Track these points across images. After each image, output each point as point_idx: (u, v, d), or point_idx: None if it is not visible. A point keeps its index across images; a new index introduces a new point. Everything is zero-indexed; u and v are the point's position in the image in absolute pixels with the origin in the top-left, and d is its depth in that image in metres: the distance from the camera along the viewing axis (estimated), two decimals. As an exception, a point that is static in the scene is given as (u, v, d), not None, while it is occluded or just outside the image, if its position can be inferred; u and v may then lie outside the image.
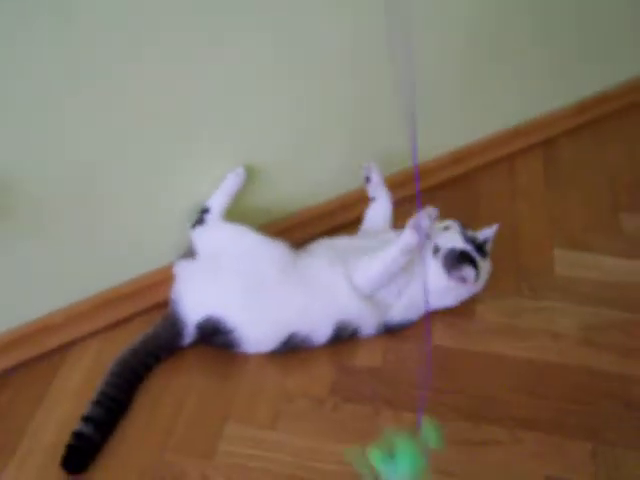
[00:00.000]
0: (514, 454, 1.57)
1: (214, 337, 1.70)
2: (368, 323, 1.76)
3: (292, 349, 1.72)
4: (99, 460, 1.56)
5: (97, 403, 1.61)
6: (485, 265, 1.80)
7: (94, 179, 1.59)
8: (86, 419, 1.59)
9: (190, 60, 1.54)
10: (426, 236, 1.75)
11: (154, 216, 1.75)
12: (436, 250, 1.76)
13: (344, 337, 1.75)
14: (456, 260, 1.74)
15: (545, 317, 1.84)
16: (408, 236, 1.67)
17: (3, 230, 1.52)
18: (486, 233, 1.84)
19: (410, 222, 1.68)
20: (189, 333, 1.70)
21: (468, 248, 1.77)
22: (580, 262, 1.99)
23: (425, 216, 1.69)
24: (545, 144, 2.38)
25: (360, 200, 1.95)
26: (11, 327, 1.69)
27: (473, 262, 1.75)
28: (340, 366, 1.74)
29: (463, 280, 1.74)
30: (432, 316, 1.80)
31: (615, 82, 2.46)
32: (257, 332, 1.70)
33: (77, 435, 1.57)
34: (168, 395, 1.68)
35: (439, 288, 1.76)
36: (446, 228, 1.80)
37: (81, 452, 1.56)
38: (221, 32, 1.54)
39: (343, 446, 1.58)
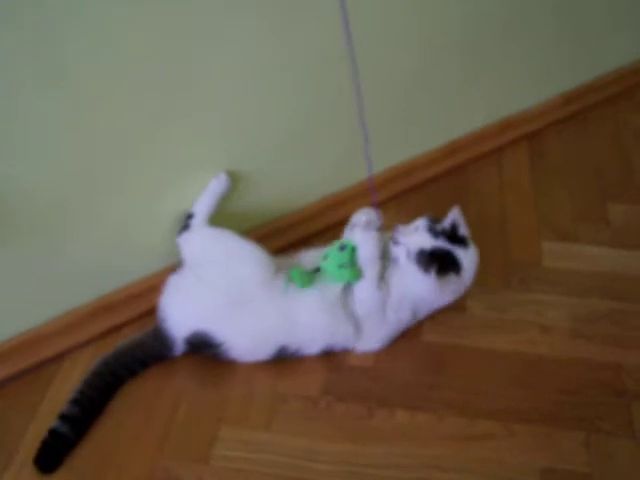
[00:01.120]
0: (508, 447, 1.58)
1: (204, 349, 1.70)
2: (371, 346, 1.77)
3: (284, 359, 1.72)
4: (95, 466, 1.57)
5: (74, 402, 1.63)
6: (468, 253, 1.74)
7: (83, 188, 1.59)
8: (62, 417, 1.60)
9: (177, 74, 1.54)
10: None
11: (144, 223, 1.75)
12: (409, 255, 1.72)
13: (334, 351, 1.75)
14: (429, 258, 1.70)
15: (535, 310, 1.85)
16: (361, 250, 1.68)
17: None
18: (449, 219, 1.76)
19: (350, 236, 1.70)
20: (178, 346, 1.70)
21: (439, 244, 1.71)
22: (568, 253, 1.99)
23: (359, 217, 1.71)
24: (532, 136, 2.38)
25: (345, 201, 1.96)
26: (3, 339, 1.69)
27: (449, 255, 1.71)
28: (332, 365, 1.74)
29: (450, 283, 1.71)
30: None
31: (600, 73, 2.47)
32: (246, 345, 1.70)
33: (52, 432, 1.59)
34: (161, 400, 1.69)
35: (429, 293, 1.72)
36: (416, 229, 1.75)
37: (54, 450, 1.58)
38: (206, 38, 1.54)
39: (338, 445, 1.60)
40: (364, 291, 1.69)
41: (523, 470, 1.55)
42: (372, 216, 1.72)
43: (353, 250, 1.68)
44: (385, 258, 1.73)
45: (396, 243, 1.73)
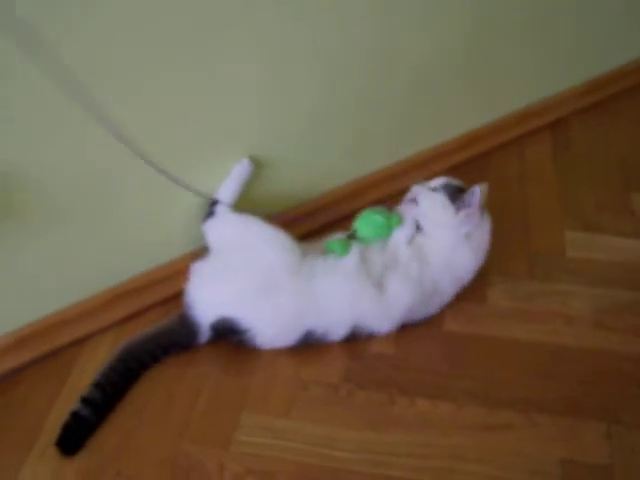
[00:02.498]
0: (529, 437, 1.58)
1: (229, 336, 1.70)
2: (388, 327, 1.76)
3: (308, 344, 1.72)
4: (116, 450, 1.58)
5: (97, 385, 1.63)
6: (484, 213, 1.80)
7: (107, 174, 1.59)
8: (84, 400, 1.61)
9: (199, 59, 1.54)
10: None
11: (167, 209, 1.75)
12: (434, 189, 1.77)
13: (360, 337, 1.75)
14: (457, 190, 1.76)
15: (557, 300, 1.84)
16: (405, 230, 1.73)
17: (16, 226, 1.53)
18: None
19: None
20: (204, 333, 1.71)
21: (462, 185, 1.80)
22: (592, 244, 1.98)
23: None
24: (554, 125, 2.37)
25: (369, 186, 1.95)
26: (26, 323, 1.70)
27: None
28: (353, 353, 1.74)
29: (471, 205, 1.71)
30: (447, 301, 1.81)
31: (623, 61, 2.45)
32: (272, 331, 1.69)
33: (74, 415, 1.60)
34: (183, 386, 1.69)
35: (450, 225, 1.73)
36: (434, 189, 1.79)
37: (76, 433, 1.60)
38: (228, 31, 1.54)
39: (358, 433, 1.60)
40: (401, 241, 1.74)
41: (543, 461, 1.54)
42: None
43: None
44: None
45: (419, 184, 1.80)
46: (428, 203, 1.76)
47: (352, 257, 1.71)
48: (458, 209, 1.72)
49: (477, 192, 1.71)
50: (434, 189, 1.77)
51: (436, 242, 1.74)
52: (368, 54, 1.79)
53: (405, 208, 1.80)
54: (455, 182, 1.79)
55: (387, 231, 1.76)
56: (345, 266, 1.70)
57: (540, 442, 1.57)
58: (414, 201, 1.79)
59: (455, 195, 1.74)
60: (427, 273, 1.73)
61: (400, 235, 1.75)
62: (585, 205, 2.09)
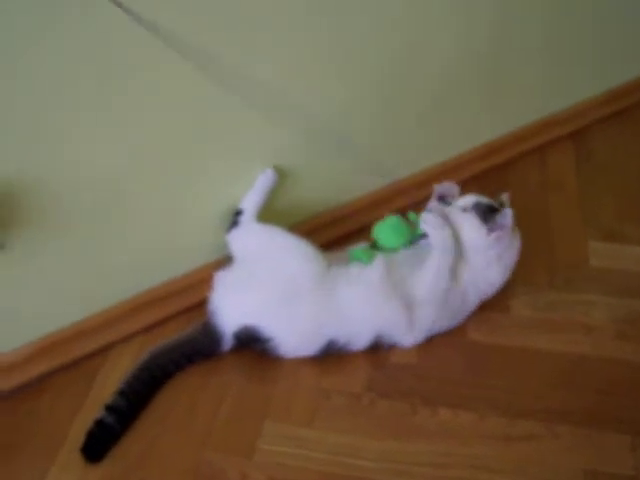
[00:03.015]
0: (551, 448, 1.57)
1: (252, 345, 1.71)
2: (413, 339, 1.76)
3: (331, 354, 1.72)
4: (139, 458, 1.59)
5: (121, 394, 1.65)
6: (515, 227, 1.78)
7: (128, 182, 1.60)
8: (108, 408, 1.62)
9: (220, 64, 1.54)
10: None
11: (191, 218, 1.76)
12: (465, 210, 1.74)
13: (383, 347, 1.75)
14: (488, 210, 1.73)
15: (579, 310, 1.83)
16: (433, 238, 1.68)
17: (41, 234, 1.55)
18: (498, 200, 1.82)
19: (426, 223, 1.68)
20: (227, 342, 1.71)
21: (493, 203, 1.77)
22: (613, 253, 1.97)
23: (429, 217, 1.69)
24: (576, 135, 2.36)
25: (391, 196, 1.96)
26: (51, 330, 1.72)
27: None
28: (375, 362, 1.74)
29: (502, 227, 1.70)
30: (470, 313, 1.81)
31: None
32: (295, 340, 1.70)
33: (98, 423, 1.61)
34: (207, 394, 1.70)
35: (482, 247, 1.71)
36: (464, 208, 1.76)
37: (100, 440, 1.61)
38: (250, 36, 1.54)
39: (380, 442, 1.60)
40: (429, 279, 1.69)
41: (566, 472, 1.54)
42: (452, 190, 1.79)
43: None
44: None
45: (448, 203, 1.77)
46: (459, 224, 1.73)
47: (377, 267, 1.71)
48: (490, 230, 1.70)
49: (509, 214, 1.70)
50: (464, 209, 1.74)
51: (466, 261, 1.73)
52: (389, 63, 1.79)
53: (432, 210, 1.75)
54: (485, 201, 1.76)
55: (407, 238, 1.76)
56: (369, 276, 1.70)
57: (562, 453, 1.57)
58: (441, 200, 1.78)
59: (486, 215, 1.72)
60: (455, 289, 1.72)
61: (434, 240, 1.69)
62: (607, 215, 2.08)
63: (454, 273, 1.70)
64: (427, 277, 1.69)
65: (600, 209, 2.11)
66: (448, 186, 1.79)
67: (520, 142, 2.26)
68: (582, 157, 2.28)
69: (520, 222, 1.82)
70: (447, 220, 1.70)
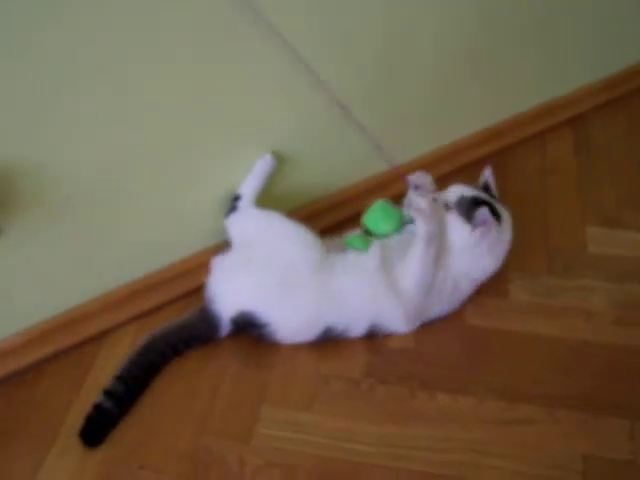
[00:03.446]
0: (550, 433, 1.57)
1: (250, 330, 1.70)
2: (406, 329, 1.75)
3: (328, 340, 1.72)
4: (138, 443, 1.59)
5: (119, 378, 1.65)
6: (504, 211, 1.77)
7: (129, 168, 1.60)
8: (107, 393, 1.63)
9: (219, 49, 1.54)
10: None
11: (189, 203, 1.76)
12: (448, 207, 1.72)
13: (379, 335, 1.75)
14: (470, 205, 1.71)
15: (578, 295, 1.83)
16: (421, 226, 1.65)
17: (38, 220, 1.54)
18: (482, 180, 1.83)
19: (414, 209, 1.66)
20: (224, 327, 1.71)
21: (478, 194, 1.76)
22: (613, 239, 1.97)
23: (421, 177, 1.71)
24: (575, 121, 2.35)
25: (390, 182, 1.95)
26: (48, 316, 1.71)
27: (487, 204, 1.72)
28: (374, 347, 1.74)
29: (484, 223, 1.68)
30: (466, 298, 1.80)
31: (644, 56, 2.44)
32: (292, 326, 1.70)
33: (96, 407, 1.61)
34: (204, 379, 1.70)
35: (468, 244, 1.71)
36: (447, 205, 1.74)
37: (99, 424, 1.61)
38: (250, 30, 1.54)
39: (379, 427, 1.60)
40: (415, 269, 1.68)
41: (565, 456, 1.53)
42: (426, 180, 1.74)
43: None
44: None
45: (434, 200, 1.71)
46: (444, 220, 1.71)
47: (373, 254, 1.71)
48: (474, 227, 1.69)
49: (485, 212, 1.68)
50: (447, 206, 1.72)
51: (455, 253, 1.72)
52: (386, 50, 1.79)
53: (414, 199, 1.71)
54: (470, 193, 1.75)
55: (397, 223, 1.75)
56: (365, 263, 1.70)
57: (561, 437, 1.57)
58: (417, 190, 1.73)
59: (470, 211, 1.70)
60: (446, 278, 1.72)
61: (420, 230, 1.67)
62: (606, 200, 2.08)
63: (440, 262, 1.70)
64: (412, 267, 1.68)
65: (598, 195, 2.10)
66: (421, 176, 1.73)
67: (519, 128, 2.26)
68: (581, 143, 2.28)
69: (519, 208, 1.84)
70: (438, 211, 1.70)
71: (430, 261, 1.67)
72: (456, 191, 1.76)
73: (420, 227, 1.65)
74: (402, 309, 1.70)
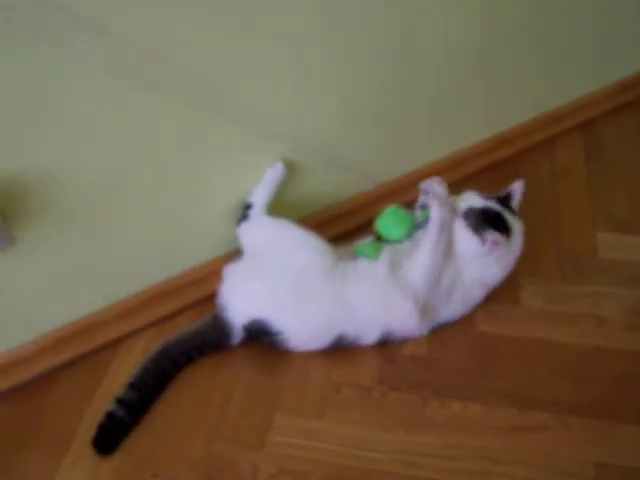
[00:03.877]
0: (561, 440, 1.57)
1: (262, 338, 1.71)
2: (419, 332, 1.75)
3: (340, 348, 1.72)
4: (151, 450, 1.59)
5: (132, 386, 1.65)
6: (516, 222, 1.77)
7: (137, 175, 1.61)
8: (119, 401, 1.63)
9: (232, 59, 1.55)
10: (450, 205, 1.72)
11: (201, 211, 1.76)
12: (457, 215, 1.73)
13: (391, 343, 1.75)
14: (479, 217, 1.71)
15: (589, 301, 1.83)
16: (436, 211, 1.65)
17: (49, 227, 1.55)
18: (509, 189, 1.82)
19: (431, 195, 1.68)
20: (236, 335, 1.72)
21: (489, 204, 1.75)
22: (624, 245, 1.97)
23: (435, 183, 1.69)
24: (585, 126, 2.35)
25: (402, 189, 1.95)
26: (62, 324, 1.72)
27: (497, 216, 1.73)
28: (385, 355, 1.74)
29: (494, 244, 1.69)
30: (477, 304, 1.80)
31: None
32: (304, 334, 1.70)
33: (109, 415, 1.62)
34: (217, 387, 1.71)
35: (477, 254, 1.71)
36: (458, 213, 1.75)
37: (111, 433, 1.61)
38: (261, 29, 1.55)
39: (391, 434, 1.60)
40: (425, 257, 1.68)
41: (577, 463, 1.53)
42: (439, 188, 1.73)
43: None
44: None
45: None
46: (454, 229, 1.72)
47: (382, 262, 1.71)
48: (484, 240, 1.69)
49: (493, 236, 1.68)
50: (458, 214, 1.73)
51: (465, 261, 1.73)
52: (395, 55, 1.79)
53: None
54: (479, 204, 1.74)
55: (409, 227, 1.75)
56: (375, 272, 1.70)
57: (573, 445, 1.56)
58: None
59: (478, 224, 1.71)
60: (458, 280, 1.73)
61: (434, 215, 1.67)
62: (617, 206, 2.08)
63: (449, 257, 1.70)
64: (422, 254, 1.68)
65: (609, 200, 2.10)
66: (436, 182, 1.72)
67: (530, 134, 2.26)
68: (592, 149, 2.28)
69: (529, 213, 1.83)
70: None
71: (440, 250, 1.67)
72: (467, 200, 1.76)
73: (435, 213, 1.66)
74: (411, 304, 1.68)
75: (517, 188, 1.82)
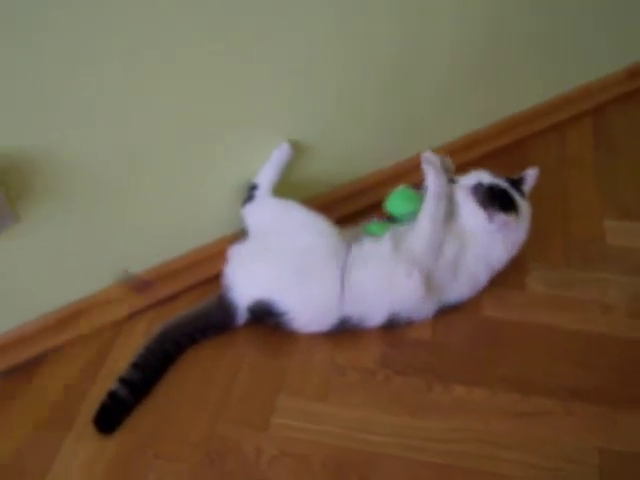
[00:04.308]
0: (565, 426, 1.57)
1: (266, 318, 1.70)
2: (424, 313, 1.75)
3: (345, 330, 1.71)
4: (154, 431, 1.59)
5: (135, 366, 1.65)
6: (524, 203, 1.76)
7: (143, 155, 1.60)
8: (122, 380, 1.63)
9: (237, 40, 1.54)
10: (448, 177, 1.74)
11: (204, 191, 1.75)
12: (466, 191, 1.74)
13: (398, 325, 1.74)
14: (487, 194, 1.72)
15: (596, 288, 1.82)
16: (432, 180, 1.68)
17: (53, 206, 1.54)
18: (524, 173, 1.81)
19: (428, 163, 1.69)
20: (241, 315, 1.71)
21: (498, 182, 1.75)
22: (632, 232, 1.96)
23: (430, 156, 1.71)
24: (595, 112, 2.34)
25: (409, 170, 1.95)
26: (64, 303, 1.72)
27: (503, 193, 1.73)
28: (390, 338, 1.74)
29: (503, 224, 1.70)
30: (482, 288, 1.79)
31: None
32: (309, 315, 1.69)
33: (111, 395, 1.62)
34: (220, 368, 1.70)
35: (483, 230, 1.71)
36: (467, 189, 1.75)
37: (113, 412, 1.62)
38: (261, 16, 1.54)
39: (394, 418, 1.60)
40: (424, 225, 1.69)
41: (580, 449, 1.53)
42: (446, 161, 1.75)
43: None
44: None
45: (453, 181, 1.76)
46: (461, 205, 1.74)
47: (386, 242, 1.70)
48: (491, 216, 1.70)
49: (501, 218, 1.69)
50: (467, 189, 1.74)
51: (471, 236, 1.72)
52: (404, 33, 1.78)
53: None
54: (488, 180, 1.75)
55: (418, 203, 1.73)
56: (379, 251, 1.69)
57: (576, 430, 1.56)
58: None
59: (487, 199, 1.71)
60: (462, 258, 1.72)
61: (430, 185, 1.69)
62: (625, 193, 2.07)
63: (450, 226, 1.71)
64: (422, 223, 1.69)
65: (618, 187, 2.09)
66: (441, 157, 1.75)
67: (539, 118, 2.25)
68: (601, 134, 2.27)
69: (538, 199, 1.82)
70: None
71: (439, 219, 1.69)
72: (475, 176, 1.77)
73: (430, 182, 1.68)
74: (416, 277, 1.66)
75: (531, 174, 1.81)
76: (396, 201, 1.77)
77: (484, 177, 1.76)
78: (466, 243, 1.72)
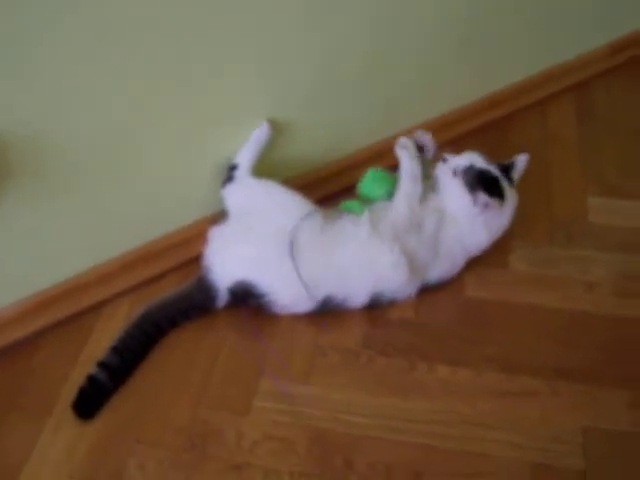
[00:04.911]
0: (550, 405, 1.57)
1: (247, 300, 1.69)
2: (406, 292, 1.73)
3: (327, 310, 1.70)
4: (135, 415, 1.58)
5: (114, 350, 1.64)
6: (511, 192, 1.75)
7: (124, 137, 1.58)
8: (101, 364, 1.62)
9: (217, 20, 1.52)
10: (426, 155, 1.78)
11: (184, 172, 1.74)
12: (455, 171, 1.73)
13: (381, 304, 1.73)
14: (476, 178, 1.71)
15: (579, 266, 1.82)
16: (406, 162, 1.71)
17: (33, 189, 1.52)
18: (514, 159, 1.79)
19: (397, 152, 1.73)
20: (222, 297, 1.70)
21: (489, 168, 1.73)
22: (615, 209, 1.95)
23: (406, 141, 1.73)
24: (577, 88, 2.33)
25: (389, 149, 1.93)
26: (44, 287, 1.70)
27: (494, 180, 1.72)
28: (372, 319, 1.73)
29: (485, 206, 1.69)
30: (465, 268, 1.78)
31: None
32: (290, 296, 1.68)
33: (90, 379, 1.61)
34: (201, 351, 1.69)
35: (467, 213, 1.71)
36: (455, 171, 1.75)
37: (92, 397, 1.60)
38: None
39: (378, 399, 1.59)
40: (400, 204, 1.70)
41: (564, 428, 1.53)
42: (426, 140, 1.77)
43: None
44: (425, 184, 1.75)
45: (444, 160, 1.76)
46: (446, 186, 1.74)
47: (364, 222, 1.69)
48: (476, 200, 1.69)
49: (482, 199, 1.68)
50: (455, 171, 1.73)
51: (453, 218, 1.72)
52: (386, 9, 1.76)
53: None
54: (480, 165, 1.73)
55: (390, 186, 1.75)
56: (358, 231, 1.68)
57: (561, 409, 1.56)
58: (420, 150, 1.78)
59: (475, 183, 1.70)
60: (442, 236, 1.71)
61: (405, 166, 1.72)
62: (608, 170, 2.06)
63: (427, 203, 1.72)
64: (398, 201, 1.70)
65: (601, 165, 2.08)
66: (422, 135, 1.77)
67: (521, 95, 2.23)
68: (584, 111, 2.26)
69: (521, 177, 1.80)
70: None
71: (415, 197, 1.71)
72: (468, 158, 1.75)
73: (405, 164, 1.71)
74: (397, 252, 1.66)
75: (522, 160, 1.79)
76: (369, 184, 1.77)
77: (477, 160, 1.74)
78: (446, 221, 1.71)
